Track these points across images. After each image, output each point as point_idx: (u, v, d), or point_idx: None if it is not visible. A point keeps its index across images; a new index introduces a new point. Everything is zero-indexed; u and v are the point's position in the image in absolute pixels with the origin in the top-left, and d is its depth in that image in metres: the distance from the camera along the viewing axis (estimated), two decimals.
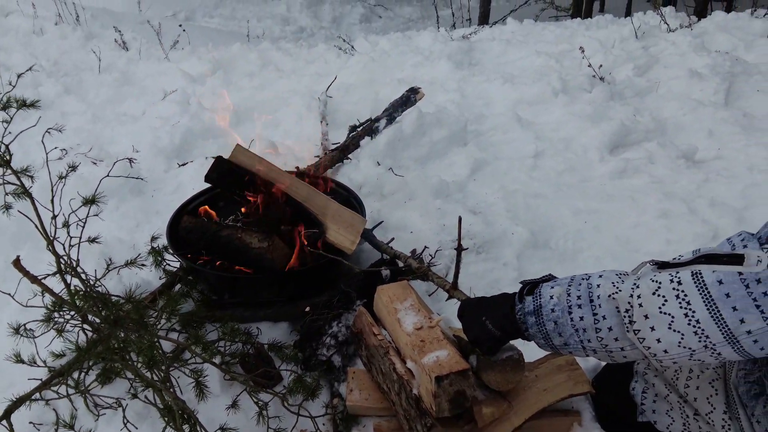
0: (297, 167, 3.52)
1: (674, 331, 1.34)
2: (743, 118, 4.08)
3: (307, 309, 2.48)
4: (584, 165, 3.68)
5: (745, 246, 1.32)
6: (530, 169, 3.68)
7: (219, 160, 2.67)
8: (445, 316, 2.07)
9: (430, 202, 3.24)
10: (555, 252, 2.99)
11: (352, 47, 6.68)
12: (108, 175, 2.58)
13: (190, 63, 6.40)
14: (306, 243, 2.59)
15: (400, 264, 2.66)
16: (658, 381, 1.84)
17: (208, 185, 2.84)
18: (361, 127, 3.91)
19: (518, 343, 1.77)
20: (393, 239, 2.92)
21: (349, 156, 3.74)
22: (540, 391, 2.01)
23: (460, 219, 2.26)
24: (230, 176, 2.68)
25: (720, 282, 1.27)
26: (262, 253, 2.46)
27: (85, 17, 9.34)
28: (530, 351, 1.82)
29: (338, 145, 3.82)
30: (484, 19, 11.73)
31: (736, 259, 1.27)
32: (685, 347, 1.34)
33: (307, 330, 2.41)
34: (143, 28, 8.69)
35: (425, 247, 2.85)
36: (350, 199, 2.98)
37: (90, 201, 2.33)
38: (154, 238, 2.72)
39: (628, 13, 9.74)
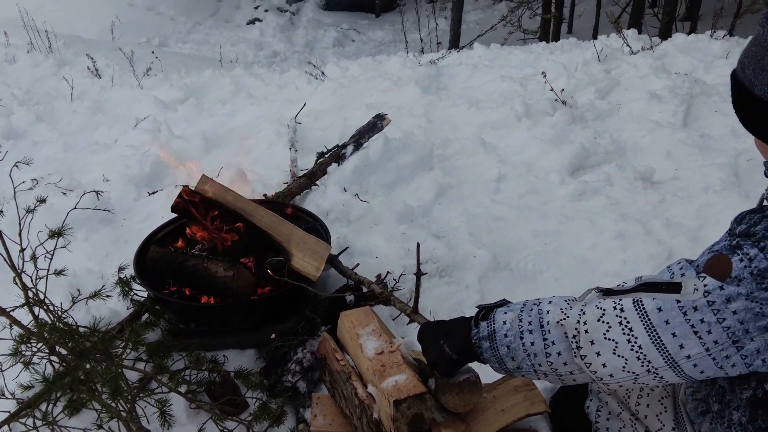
0: (265, 195, 3.59)
1: (618, 356, 1.41)
2: (701, 138, 4.21)
3: (273, 336, 2.53)
4: (545, 188, 3.78)
5: (683, 274, 1.37)
6: (493, 193, 3.77)
7: (185, 189, 2.73)
8: (408, 340, 2.12)
9: (395, 227, 3.32)
10: (516, 274, 3.07)
11: (323, 73, 6.76)
12: (75, 208, 2.63)
13: (163, 89, 6.44)
14: (271, 271, 2.65)
15: (365, 289, 2.73)
16: (611, 399, 1.91)
17: (176, 214, 2.89)
18: (329, 154, 3.99)
19: (476, 365, 1.83)
20: (358, 265, 2.99)
21: (317, 182, 3.81)
22: (498, 412, 2.07)
23: (418, 245, 2.33)
24: (196, 206, 2.73)
25: (659, 309, 1.34)
26: (227, 282, 2.51)
27: (58, 45, 9.37)
28: (488, 373, 1.88)
29: (306, 171, 3.88)
30: (454, 43, 11.89)
31: (675, 287, 1.34)
32: (629, 371, 1.41)
33: (273, 357, 2.46)
34: (116, 54, 8.73)
35: (387, 272, 2.92)
36: (316, 226, 3.04)
37: (57, 233, 2.37)
38: (121, 269, 2.76)
39: (595, 35, 9.94)
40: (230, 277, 2.51)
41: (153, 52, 9.69)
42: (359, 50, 14.30)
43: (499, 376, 2.12)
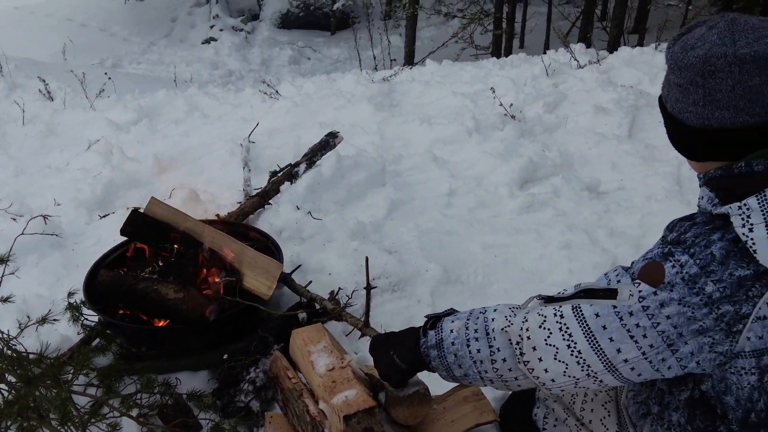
0: (218, 215, 3.60)
1: (559, 361, 1.45)
2: (645, 149, 4.34)
3: (225, 356, 2.54)
4: (494, 201, 3.85)
5: (619, 281, 1.43)
6: (444, 207, 3.83)
7: (134, 212, 2.73)
8: (362, 355, 2.15)
9: (348, 244, 3.35)
10: (466, 286, 3.12)
11: (277, 92, 6.79)
12: (23, 233, 2.61)
13: (116, 111, 6.39)
14: (222, 291, 2.66)
15: (317, 306, 2.75)
16: (557, 406, 1.96)
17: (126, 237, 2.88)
18: (281, 173, 4.01)
19: (425, 377, 1.86)
20: (311, 282, 3.01)
21: (270, 201, 3.82)
22: (448, 423, 2.11)
23: (367, 260, 2.37)
24: (146, 229, 2.73)
25: (597, 315, 1.39)
26: (178, 304, 2.52)
27: (9, 68, 9.23)
28: (438, 384, 1.92)
29: (259, 190, 3.90)
30: (409, 60, 12.04)
31: (611, 293, 1.39)
32: (570, 376, 1.46)
33: (226, 377, 2.46)
34: (68, 77, 8.63)
35: (339, 288, 2.95)
36: (268, 245, 3.06)
37: (2, 260, 2.35)
38: (71, 294, 2.74)
39: (546, 50, 10.15)
40: (180, 298, 2.52)
41: (106, 73, 9.61)
42: (315, 68, 14.37)
43: (448, 387, 2.16)
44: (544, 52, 7.63)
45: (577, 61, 6.41)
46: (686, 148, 1.48)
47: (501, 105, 5.02)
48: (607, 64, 6.21)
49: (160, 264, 2.78)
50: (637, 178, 3.98)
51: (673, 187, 3.76)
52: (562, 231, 3.40)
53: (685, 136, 1.45)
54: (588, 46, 7.90)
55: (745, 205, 1.28)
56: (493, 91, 5.16)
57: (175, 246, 2.72)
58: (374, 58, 11.22)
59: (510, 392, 2.28)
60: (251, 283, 2.70)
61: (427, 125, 4.95)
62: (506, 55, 10.26)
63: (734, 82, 1.29)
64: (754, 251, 1.26)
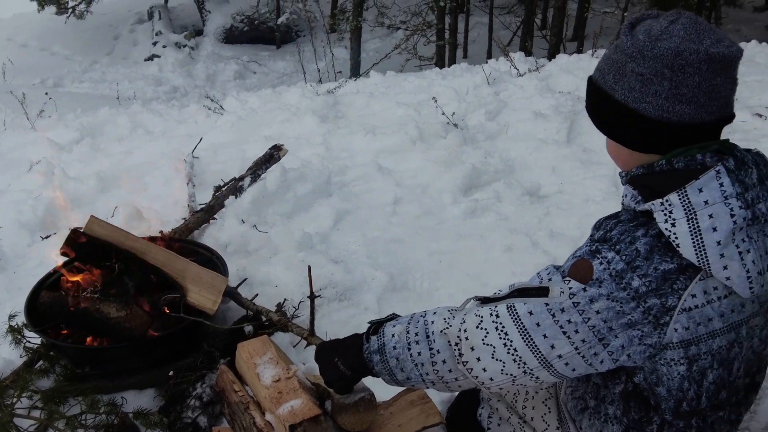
0: (161, 232, 3.57)
1: (497, 360, 1.48)
2: (583, 153, 4.46)
3: (171, 373, 2.52)
4: (439, 208, 3.91)
5: (550, 279, 1.46)
6: (390, 215, 3.87)
7: (73, 232, 2.70)
8: (310, 365, 2.16)
9: (294, 256, 3.36)
10: (413, 293, 3.17)
11: (221, 107, 6.76)
12: None
13: (57, 131, 6.26)
14: (166, 308, 2.65)
15: (264, 319, 2.76)
16: (500, 405, 1.99)
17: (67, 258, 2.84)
18: (226, 187, 4.00)
19: (371, 383, 1.88)
20: (257, 295, 3.01)
21: (215, 216, 3.81)
22: (395, 427, 2.13)
23: (309, 269, 2.39)
24: (87, 248, 2.70)
25: (530, 313, 1.42)
26: (121, 323, 2.49)
27: None
28: (384, 389, 1.94)
29: (203, 206, 3.88)
30: (356, 71, 12.10)
31: (543, 291, 1.43)
32: (507, 374, 1.49)
33: (172, 394, 2.45)
34: (8, 98, 8.43)
35: (285, 299, 2.96)
36: (213, 260, 3.05)
37: None
38: (11, 316, 2.69)
39: (489, 59, 10.32)
40: (123, 317, 2.50)
41: (46, 93, 9.41)
42: (261, 82, 14.31)
43: (395, 392, 2.19)
44: (486, 62, 7.77)
45: (517, 70, 6.55)
46: (631, 139, 1.46)
47: (444, 114, 5.10)
48: (546, 72, 6.36)
49: (102, 283, 2.75)
50: (576, 181, 4.09)
51: (610, 189, 3.87)
52: (505, 235, 3.47)
53: (635, 127, 1.42)
54: (528, 54, 8.08)
55: (667, 201, 1.32)
56: (435, 101, 5.23)
57: (117, 264, 2.70)
58: (318, 71, 11.24)
59: (455, 394, 2.31)
60: (196, 299, 2.69)
61: (371, 136, 5.00)
62: (450, 65, 10.40)
63: (701, 79, 1.31)
64: (677, 245, 1.30)
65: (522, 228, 3.58)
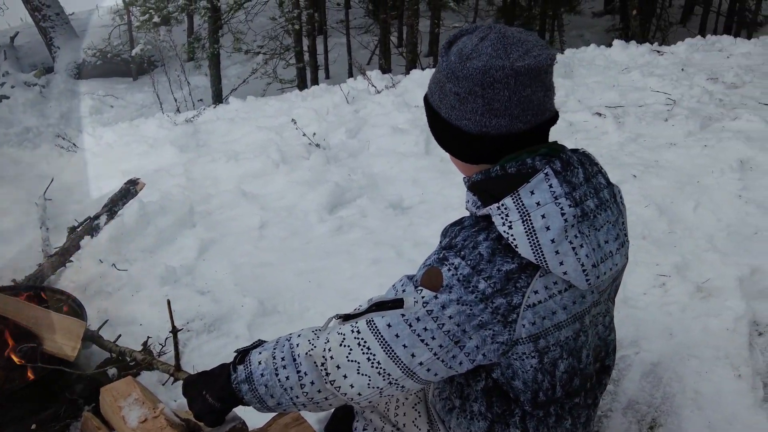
0: (14, 280, 3.38)
1: (362, 375, 1.49)
2: (440, 163, 4.60)
3: (33, 427, 2.38)
4: (306, 228, 3.92)
5: (404, 290, 1.48)
6: (257, 240, 3.84)
7: None
8: (180, 401, 2.10)
9: (158, 291, 3.26)
10: (284, 315, 3.15)
11: (74, 144, 6.47)
12: None
13: None
14: (22, 359, 2.50)
15: (129, 359, 2.66)
16: (374, 416, 2.01)
17: None
18: (81, 227, 3.83)
19: (244, 410, 1.84)
20: (120, 336, 2.90)
21: (71, 258, 3.64)
22: None
23: (168, 302, 2.33)
24: None
25: (389, 325, 1.44)
26: None
27: None
28: (258, 415, 1.90)
29: (58, 249, 3.70)
30: (217, 99, 11.92)
31: (399, 303, 1.45)
32: (374, 387, 1.51)
33: None
34: None
35: (149, 337, 2.87)
36: (69, 304, 2.92)
37: None
38: None
39: (349, 78, 10.47)
40: None
41: None
42: (119, 115, 13.75)
43: (267, 417, 2.17)
44: (346, 81, 7.88)
45: (375, 87, 6.69)
46: (461, 153, 1.53)
47: (305, 135, 5.13)
48: (402, 88, 6.54)
49: None
50: (435, 190, 4.21)
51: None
52: (371, 248, 3.53)
53: (460, 141, 1.49)
54: (384, 72, 8.26)
55: (503, 205, 1.38)
56: (295, 122, 5.25)
57: None
58: (176, 100, 10.98)
59: (330, 411, 2.31)
60: (53, 347, 2.56)
61: (234, 162, 4.95)
62: (312, 87, 10.47)
63: (510, 93, 1.36)
64: (516, 246, 1.36)
65: (387, 240, 3.65)
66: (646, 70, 6.87)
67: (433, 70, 1.58)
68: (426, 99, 1.58)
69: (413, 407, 1.93)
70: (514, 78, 1.36)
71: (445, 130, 1.52)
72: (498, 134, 1.42)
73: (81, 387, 2.57)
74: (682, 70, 6.88)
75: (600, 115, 5.38)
